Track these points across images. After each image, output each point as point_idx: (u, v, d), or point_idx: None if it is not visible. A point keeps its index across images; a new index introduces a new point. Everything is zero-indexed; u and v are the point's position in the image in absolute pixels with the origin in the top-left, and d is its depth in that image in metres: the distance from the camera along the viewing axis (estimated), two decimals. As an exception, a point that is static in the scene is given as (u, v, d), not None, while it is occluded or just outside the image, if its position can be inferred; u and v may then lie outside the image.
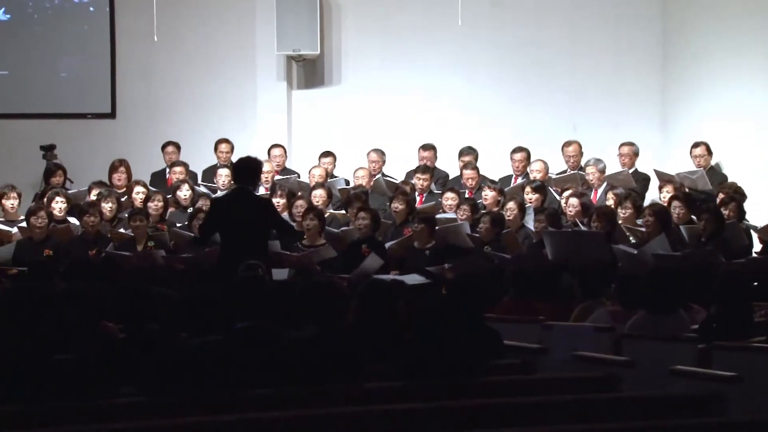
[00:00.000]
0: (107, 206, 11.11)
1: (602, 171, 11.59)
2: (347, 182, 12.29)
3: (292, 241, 10.19)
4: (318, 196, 11.30)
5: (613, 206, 10.54)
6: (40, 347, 5.18)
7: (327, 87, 14.05)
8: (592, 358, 6.24)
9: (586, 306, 7.75)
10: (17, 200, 11.43)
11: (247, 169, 9.41)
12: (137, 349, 5.43)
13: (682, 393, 5.48)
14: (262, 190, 11.76)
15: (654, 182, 11.72)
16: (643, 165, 12.03)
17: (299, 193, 11.40)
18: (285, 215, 10.92)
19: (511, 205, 10.65)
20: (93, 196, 11.51)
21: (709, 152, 11.60)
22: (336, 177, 12.35)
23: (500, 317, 7.58)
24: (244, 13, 13.89)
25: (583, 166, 11.90)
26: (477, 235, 10.37)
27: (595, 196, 11.40)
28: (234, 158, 12.50)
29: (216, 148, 12.62)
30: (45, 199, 11.36)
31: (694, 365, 5.85)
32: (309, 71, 14.01)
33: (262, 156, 12.52)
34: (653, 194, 11.67)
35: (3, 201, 11.39)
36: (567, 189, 11.13)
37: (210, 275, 9.34)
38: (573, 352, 6.34)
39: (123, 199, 11.58)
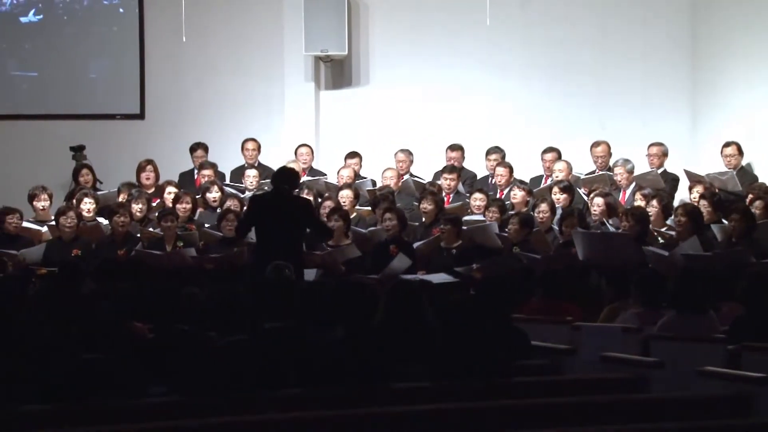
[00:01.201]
0: (137, 207, 11.16)
1: (630, 171, 11.54)
2: (374, 183, 12.30)
3: (325, 240, 10.23)
4: (345, 197, 11.31)
5: (642, 206, 10.48)
6: (69, 346, 5.21)
7: (354, 87, 14.06)
8: (621, 359, 6.22)
9: (613, 307, 7.72)
10: (48, 201, 11.50)
11: (286, 176, 9.82)
12: (167, 348, 5.45)
13: (711, 394, 5.46)
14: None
15: (683, 183, 11.66)
16: (672, 165, 11.97)
17: (326, 194, 11.42)
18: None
19: (543, 206, 10.62)
20: (122, 197, 11.57)
21: (740, 152, 11.51)
22: (363, 178, 12.36)
23: (529, 318, 7.56)
24: (272, 14, 13.91)
25: (611, 166, 11.86)
26: (506, 235, 10.36)
27: (624, 196, 11.35)
28: (261, 158, 12.59)
29: (243, 147, 12.66)
30: (74, 200, 11.43)
31: (723, 366, 5.82)
32: (336, 72, 14.03)
33: (289, 156, 12.60)
34: (682, 194, 11.62)
35: (34, 201, 11.46)
36: (595, 189, 11.10)
37: (241, 275, 9.40)
38: (601, 353, 6.32)
39: (155, 202, 11.62)
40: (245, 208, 10.57)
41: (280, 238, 9.28)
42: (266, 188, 11.14)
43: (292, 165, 12.10)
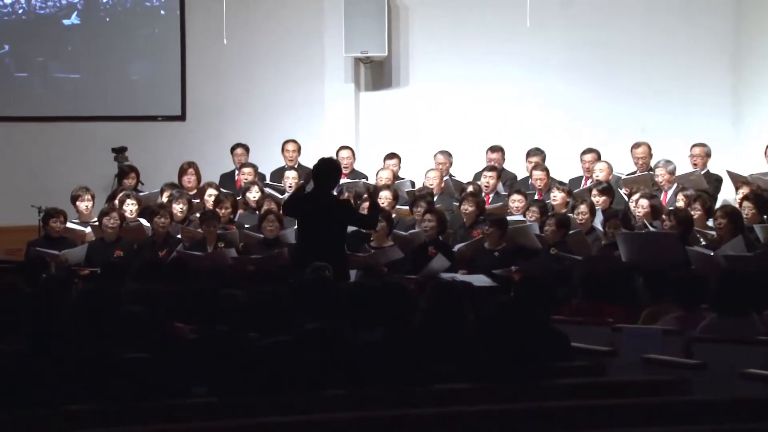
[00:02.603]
0: (178, 207, 11.23)
1: (672, 172, 11.48)
2: (413, 184, 12.30)
3: (370, 230, 10.25)
4: (384, 198, 11.32)
5: (685, 208, 10.43)
6: (111, 346, 5.25)
7: (395, 89, 14.07)
8: (663, 361, 6.18)
9: (653, 311, 7.67)
10: (91, 202, 11.61)
11: (325, 172, 9.63)
12: (208, 349, 5.48)
13: (753, 396, 5.42)
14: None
15: (726, 184, 11.58)
16: (715, 166, 11.89)
17: (365, 195, 11.43)
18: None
19: (582, 208, 10.59)
20: (165, 198, 11.65)
21: (785, 152, 11.43)
22: (402, 179, 12.36)
23: (569, 319, 7.54)
24: (313, 16, 13.95)
25: (652, 167, 11.80)
26: (544, 235, 10.33)
27: (665, 197, 11.29)
28: (301, 159, 12.62)
29: (283, 148, 12.70)
30: (117, 201, 11.51)
31: (766, 368, 5.77)
32: (377, 73, 14.04)
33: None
34: (725, 195, 11.54)
35: (77, 202, 11.57)
36: (637, 191, 11.04)
37: (282, 276, 9.43)
38: (643, 354, 6.29)
39: (195, 201, 11.69)
40: (287, 198, 10.51)
41: (320, 240, 9.30)
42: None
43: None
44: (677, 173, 11.53)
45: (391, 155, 12.68)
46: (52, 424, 4.65)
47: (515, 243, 10.25)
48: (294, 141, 12.75)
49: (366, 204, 10.98)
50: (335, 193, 10.33)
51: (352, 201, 11.19)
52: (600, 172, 11.68)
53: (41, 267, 8.71)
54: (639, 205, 10.56)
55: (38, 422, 4.67)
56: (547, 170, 11.92)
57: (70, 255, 10.44)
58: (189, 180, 12.23)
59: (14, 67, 14.39)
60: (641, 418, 5.08)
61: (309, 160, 12.59)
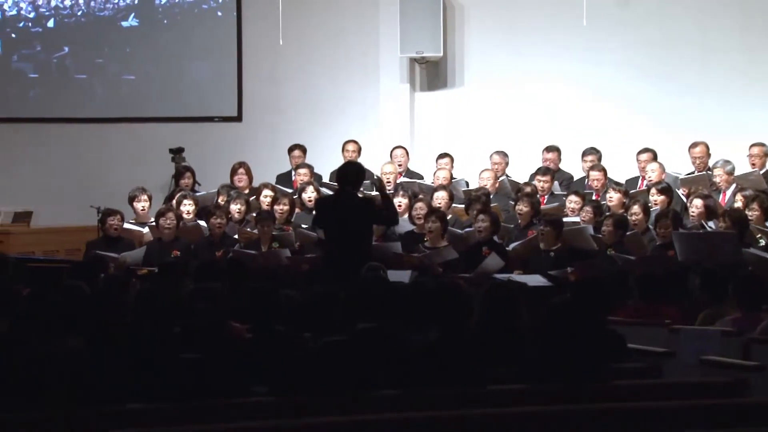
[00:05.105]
0: (236, 208, 11.29)
1: (730, 173, 11.36)
2: (467, 184, 12.28)
3: (392, 225, 10.32)
4: (440, 198, 11.31)
5: (741, 208, 10.33)
6: (170, 346, 5.30)
7: (450, 89, 14.06)
8: (721, 363, 6.13)
9: (709, 313, 7.60)
10: (148, 202, 11.69)
11: (349, 174, 9.82)
12: (264, 349, 5.51)
13: (813, 399, 5.36)
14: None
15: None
16: (773, 166, 11.76)
17: (420, 196, 11.44)
18: (405, 217, 11.03)
19: (635, 208, 10.51)
20: (221, 199, 11.72)
21: (843, 151, 11.29)
22: (456, 179, 12.35)
23: (626, 320, 7.49)
24: (368, 17, 13.98)
25: (710, 167, 11.68)
26: (601, 236, 10.27)
27: (724, 198, 11.18)
28: (361, 159, 12.66)
29: (343, 149, 12.73)
30: (174, 201, 11.60)
31: (826, 371, 5.72)
32: (432, 73, 14.04)
33: (384, 157, 12.64)
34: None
35: (134, 203, 11.65)
36: (695, 191, 10.95)
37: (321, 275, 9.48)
38: (701, 356, 6.24)
39: (251, 200, 11.75)
40: (314, 215, 10.62)
41: (346, 239, 9.41)
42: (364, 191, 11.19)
43: (387, 165, 12.20)
44: (736, 173, 11.42)
45: (443, 155, 12.67)
46: (112, 422, 4.70)
47: (571, 244, 10.20)
48: (354, 141, 12.78)
49: (419, 204, 10.99)
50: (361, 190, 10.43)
51: (407, 200, 11.21)
52: (652, 173, 11.59)
53: (100, 267, 8.79)
54: (693, 205, 10.47)
55: (98, 421, 4.72)
56: (604, 170, 11.83)
57: (128, 256, 10.53)
58: (240, 180, 12.29)
59: (74, 68, 14.58)
60: (698, 420, 5.04)
61: (364, 160, 12.63)
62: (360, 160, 12.66)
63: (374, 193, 10.76)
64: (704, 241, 9.45)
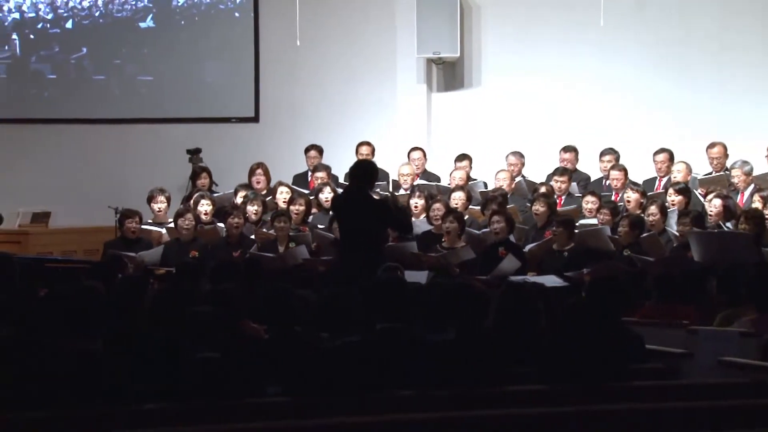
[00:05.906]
0: (252, 209, 11.31)
1: (748, 173, 11.33)
2: (485, 185, 12.27)
3: (405, 234, 10.27)
4: (457, 199, 11.31)
5: (759, 209, 10.29)
6: (187, 346, 5.30)
7: (467, 89, 14.05)
8: (739, 364, 6.11)
9: (727, 314, 7.57)
10: (165, 203, 11.71)
11: (361, 173, 9.76)
12: (281, 349, 5.52)
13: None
14: (401, 192, 11.89)
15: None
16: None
17: (438, 196, 11.43)
18: (422, 217, 11.03)
19: (653, 209, 10.48)
20: (239, 199, 11.74)
21: None
22: (474, 180, 12.34)
23: (644, 321, 7.47)
24: (385, 17, 13.98)
25: (729, 167, 11.64)
26: (617, 237, 10.25)
27: (742, 198, 11.15)
28: (377, 160, 12.65)
29: (357, 151, 12.73)
30: (191, 202, 11.63)
31: None
32: (449, 74, 14.04)
33: (402, 158, 12.64)
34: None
35: (152, 203, 11.68)
36: (713, 191, 10.91)
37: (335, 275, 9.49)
38: (719, 357, 6.21)
39: (267, 200, 11.77)
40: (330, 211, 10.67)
41: (358, 237, 9.39)
42: (379, 191, 11.19)
43: (405, 167, 12.20)
44: (754, 174, 11.38)
45: (462, 156, 12.66)
46: (128, 422, 4.71)
47: (585, 244, 10.17)
48: (368, 143, 12.77)
49: (436, 205, 10.97)
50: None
51: (423, 200, 11.21)
52: (678, 173, 11.55)
53: (118, 267, 8.81)
54: (712, 205, 10.44)
55: (114, 420, 4.73)
56: (625, 170, 11.79)
57: (146, 256, 10.56)
58: (258, 180, 12.30)
59: (92, 69, 14.63)
60: (716, 422, 5.02)
61: (381, 161, 12.64)
62: (376, 160, 12.67)
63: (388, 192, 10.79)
64: (721, 242, 9.41)
